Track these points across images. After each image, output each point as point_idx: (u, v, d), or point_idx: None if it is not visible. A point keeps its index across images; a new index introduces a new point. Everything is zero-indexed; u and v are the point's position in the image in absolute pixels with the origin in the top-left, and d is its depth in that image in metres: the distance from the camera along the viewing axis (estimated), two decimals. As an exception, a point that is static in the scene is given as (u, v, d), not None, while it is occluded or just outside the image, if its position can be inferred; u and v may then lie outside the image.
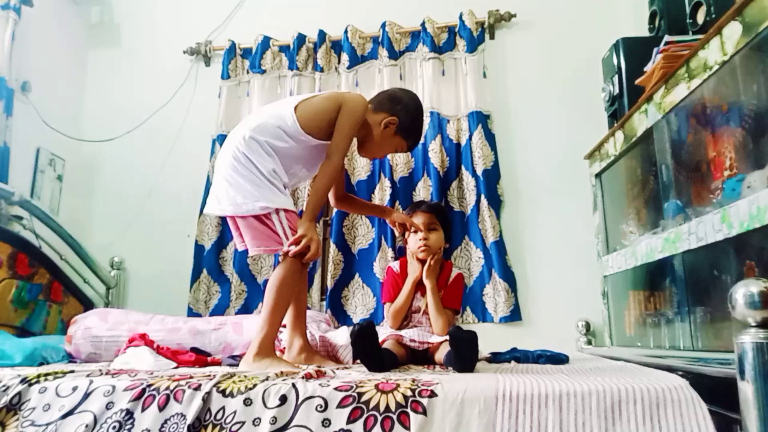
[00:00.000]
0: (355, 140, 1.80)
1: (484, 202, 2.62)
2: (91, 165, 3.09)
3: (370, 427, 1.04)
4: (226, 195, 1.62)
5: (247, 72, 2.99)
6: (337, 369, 1.48)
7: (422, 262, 1.92)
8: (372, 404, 1.06)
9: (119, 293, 2.91)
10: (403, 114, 1.77)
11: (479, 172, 2.65)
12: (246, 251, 1.67)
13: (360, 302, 2.65)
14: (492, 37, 2.90)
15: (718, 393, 1.07)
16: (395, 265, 2.03)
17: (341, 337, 1.88)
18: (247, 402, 1.11)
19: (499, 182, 2.69)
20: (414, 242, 1.94)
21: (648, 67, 1.98)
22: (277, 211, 1.58)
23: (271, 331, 1.54)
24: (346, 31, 2.86)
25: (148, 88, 3.11)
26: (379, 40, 2.86)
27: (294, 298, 1.72)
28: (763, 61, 1.37)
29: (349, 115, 1.68)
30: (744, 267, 1.43)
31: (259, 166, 1.60)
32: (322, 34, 2.90)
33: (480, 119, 2.70)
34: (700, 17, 1.88)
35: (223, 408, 1.12)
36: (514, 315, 2.55)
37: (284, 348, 1.75)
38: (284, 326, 1.92)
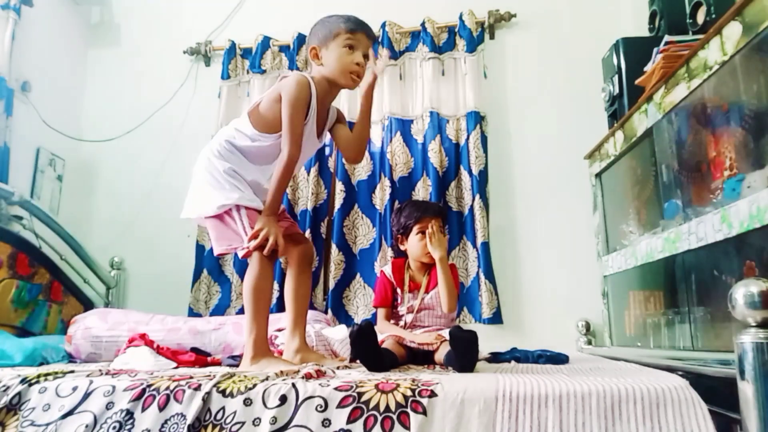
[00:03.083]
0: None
1: (478, 202, 2.63)
2: (91, 165, 3.09)
3: (370, 427, 1.04)
4: (191, 199, 1.69)
5: (247, 72, 2.99)
6: (337, 369, 1.48)
7: (427, 264, 1.94)
8: (372, 404, 1.06)
9: (119, 293, 2.91)
10: (314, 38, 1.72)
11: (475, 172, 2.65)
12: None
13: (362, 302, 2.65)
14: (492, 37, 2.90)
15: (718, 393, 1.07)
16: (387, 270, 2.02)
17: (338, 332, 1.89)
18: (247, 402, 1.11)
19: (487, 185, 2.68)
20: (421, 247, 1.94)
21: (648, 67, 1.98)
22: (238, 208, 1.58)
23: (260, 331, 1.53)
24: (346, 31, 2.86)
25: (148, 88, 3.11)
26: (379, 40, 2.86)
27: (293, 298, 1.71)
28: (763, 61, 1.37)
29: (286, 101, 1.61)
30: (744, 267, 1.43)
31: (218, 167, 1.62)
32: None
33: (478, 119, 2.70)
34: (700, 17, 1.88)
35: (223, 408, 1.12)
36: (496, 318, 2.54)
37: (282, 349, 1.75)
38: (279, 330, 1.92)
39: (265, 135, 1.66)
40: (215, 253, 1.69)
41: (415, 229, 1.96)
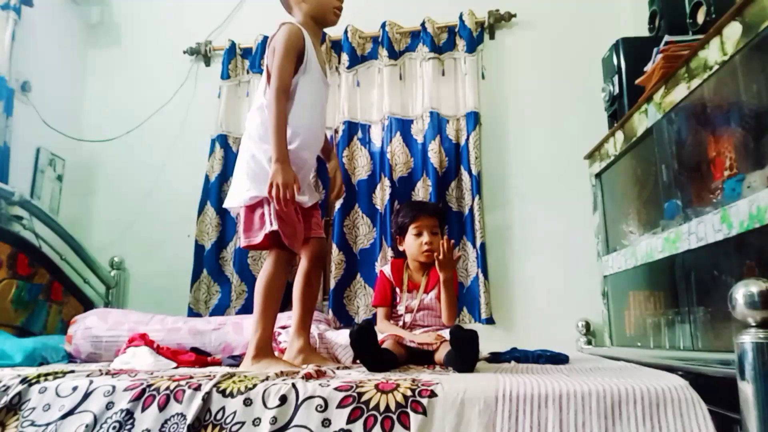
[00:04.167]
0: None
1: (477, 202, 2.63)
2: (91, 165, 3.09)
3: (370, 427, 1.04)
4: (231, 189, 1.66)
5: (247, 72, 2.98)
6: (337, 369, 1.48)
7: (425, 264, 1.93)
8: (372, 404, 1.06)
9: (119, 293, 2.91)
10: None
11: (475, 172, 2.65)
12: (246, 252, 1.67)
13: (362, 302, 2.65)
14: (492, 37, 2.90)
15: (718, 393, 1.07)
16: (386, 269, 2.03)
17: (341, 337, 1.88)
18: (247, 402, 1.11)
19: (481, 185, 2.68)
20: (417, 246, 1.94)
21: (648, 67, 1.98)
22: (268, 201, 1.53)
23: (265, 331, 1.53)
24: (346, 31, 2.86)
25: (148, 88, 3.11)
26: (379, 40, 2.86)
27: (301, 297, 1.70)
28: (763, 61, 1.37)
29: (276, 50, 1.58)
30: (744, 267, 1.43)
31: (256, 154, 1.59)
32: (322, 34, 2.89)
33: (478, 120, 2.71)
34: (700, 17, 1.88)
35: (223, 408, 1.12)
36: (489, 319, 2.54)
37: (284, 348, 1.75)
38: (283, 327, 1.92)
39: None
40: (240, 245, 1.66)
41: (411, 228, 1.96)
